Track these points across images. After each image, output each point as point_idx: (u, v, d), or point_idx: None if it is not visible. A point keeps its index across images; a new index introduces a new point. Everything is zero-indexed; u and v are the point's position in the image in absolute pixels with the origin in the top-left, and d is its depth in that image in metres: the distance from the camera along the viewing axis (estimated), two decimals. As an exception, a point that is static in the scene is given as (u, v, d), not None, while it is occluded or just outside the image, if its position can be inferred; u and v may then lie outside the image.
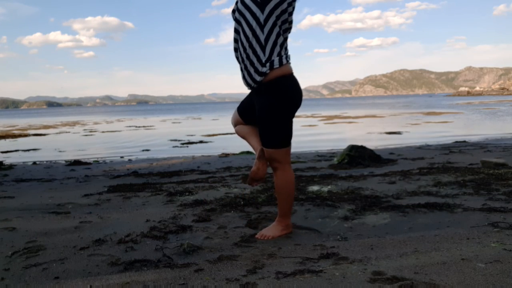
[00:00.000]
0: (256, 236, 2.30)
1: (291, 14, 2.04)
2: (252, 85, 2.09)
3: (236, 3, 2.10)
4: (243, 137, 2.40)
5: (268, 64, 2.02)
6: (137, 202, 3.45)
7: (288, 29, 2.08)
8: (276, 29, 2.00)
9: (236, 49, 2.15)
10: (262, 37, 1.99)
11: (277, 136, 2.13)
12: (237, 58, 2.15)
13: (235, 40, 2.13)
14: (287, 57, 2.09)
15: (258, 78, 2.04)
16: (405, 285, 1.46)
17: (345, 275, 1.59)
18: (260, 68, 2.02)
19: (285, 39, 2.08)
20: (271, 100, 2.06)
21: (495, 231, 2.18)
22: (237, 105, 2.45)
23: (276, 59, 2.03)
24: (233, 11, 2.13)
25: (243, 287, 1.53)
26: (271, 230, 2.31)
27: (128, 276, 1.73)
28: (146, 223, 2.65)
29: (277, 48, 2.03)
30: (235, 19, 2.09)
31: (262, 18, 1.97)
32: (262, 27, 1.98)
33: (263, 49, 2.00)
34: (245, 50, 2.05)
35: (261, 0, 1.94)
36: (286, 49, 2.10)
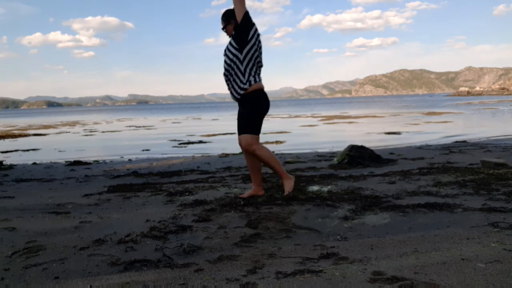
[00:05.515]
0: (285, 194, 3.16)
1: (260, 53, 3.16)
2: (237, 97, 3.14)
3: (227, 46, 3.16)
4: (253, 168, 3.23)
5: (247, 84, 3.10)
6: (137, 202, 3.45)
7: (260, 61, 3.17)
8: (251, 62, 3.10)
9: (225, 74, 3.18)
10: (242, 68, 3.10)
11: (249, 126, 3.11)
12: (227, 80, 3.19)
13: (226, 69, 3.16)
14: (259, 78, 3.16)
15: (241, 92, 3.11)
16: (405, 285, 1.46)
17: (345, 275, 1.59)
18: (242, 86, 3.10)
19: (259, 67, 3.15)
20: (248, 104, 3.12)
21: (495, 231, 2.18)
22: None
23: (252, 80, 3.10)
24: (225, 51, 3.18)
25: (243, 287, 1.53)
26: (289, 186, 3.19)
27: (128, 276, 1.73)
28: (146, 223, 2.65)
29: (252, 74, 3.11)
30: (225, 55, 3.17)
31: (241, 57, 3.09)
32: (241, 62, 3.09)
33: (243, 75, 3.10)
34: (231, 75, 3.14)
35: (239, 47, 3.07)
36: (259, 73, 3.17)
